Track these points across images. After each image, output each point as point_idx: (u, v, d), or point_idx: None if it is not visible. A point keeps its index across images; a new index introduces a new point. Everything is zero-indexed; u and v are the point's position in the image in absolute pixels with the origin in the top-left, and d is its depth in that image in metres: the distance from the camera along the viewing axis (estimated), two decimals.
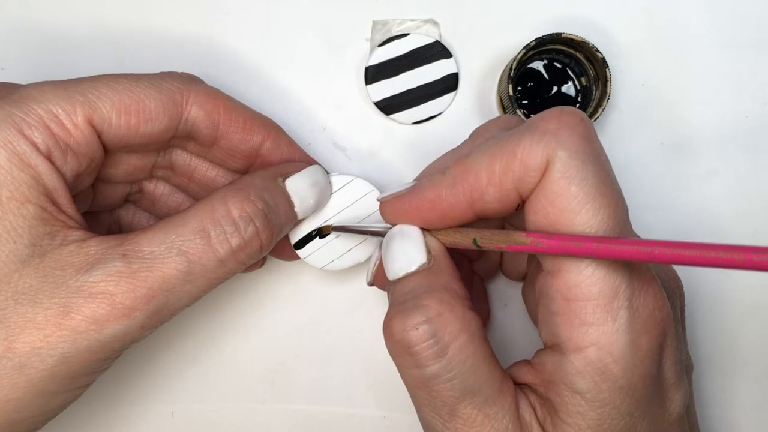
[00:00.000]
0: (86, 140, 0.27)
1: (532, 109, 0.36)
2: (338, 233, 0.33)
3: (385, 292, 0.36)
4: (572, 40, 0.34)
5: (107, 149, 0.29)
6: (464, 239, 0.27)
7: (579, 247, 0.23)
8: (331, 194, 0.33)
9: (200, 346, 0.37)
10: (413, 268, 0.27)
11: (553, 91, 0.36)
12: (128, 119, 0.28)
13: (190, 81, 0.30)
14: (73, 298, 0.25)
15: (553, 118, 0.25)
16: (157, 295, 0.26)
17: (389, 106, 0.37)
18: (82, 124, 0.27)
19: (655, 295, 0.25)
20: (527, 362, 0.27)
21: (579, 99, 0.36)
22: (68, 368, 0.26)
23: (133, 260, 0.26)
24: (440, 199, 0.27)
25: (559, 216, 0.24)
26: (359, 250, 0.33)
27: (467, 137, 0.30)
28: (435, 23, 0.37)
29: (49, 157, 0.26)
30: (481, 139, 0.28)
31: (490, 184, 0.25)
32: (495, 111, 0.37)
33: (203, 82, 0.31)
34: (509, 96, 0.34)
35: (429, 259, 0.27)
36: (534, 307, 0.33)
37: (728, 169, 0.37)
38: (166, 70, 0.36)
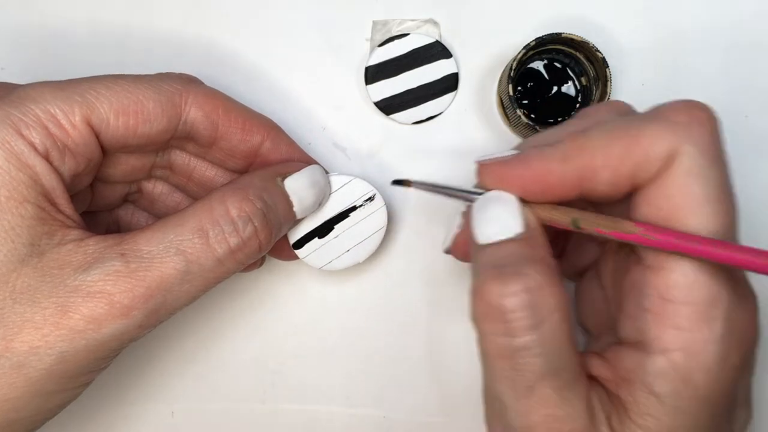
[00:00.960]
0: (84, 141, 0.27)
1: (532, 109, 0.36)
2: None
3: (383, 293, 0.36)
4: (572, 39, 0.34)
5: (105, 150, 0.29)
6: (563, 218, 0.26)
7: (693, 247, 0.22)
8: (330, 194, 0.33)
9: (200, 346, 0.37)
10: (510, 235, 0.25)
11: (553, 91, 0.36)
12: (126, 120, 0.28)
13: (189, 82, 0.30)
14: (71, 298, 0.25)
15: (683, 109, 0.24)
16: (155, 294, 0.26)
17: (389, 106, 0.37)
18: (80, 124, 0.27)
19: (751, 312, 0.24)
20: (598, 355, 0.26)
21: (579, 99, 0.36)
22: (66, 367, 0.26)
23: (131, 260, 0.26)
24: (548, 172, 0.25)
25: (675, 212, 0.23)
26: (358, 250, 0.33)
27: (574, 117, 0.29)
28: (435, 23, 0.37)
29: (47, 157, 0.26)
30: (591, 120, 0.27)
31: (606, 165, 0.24)
32: (495, 111, 0.37)
33: (202, 83, 0.31)
34: (509, 96, 0.34)
35: (525, 230, 0.25)
36: (592, 305, 0.31)
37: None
38: (166, 70, 0.36)
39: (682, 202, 0.23)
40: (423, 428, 0.37)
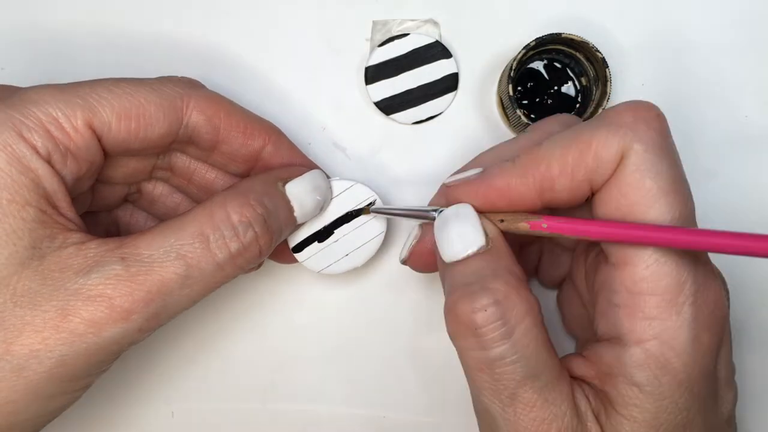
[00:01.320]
0: (86, 144, 0.27)
1: (532, 109, 0.36)
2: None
3: (382, 294, 0.36)
4: (572, 40, 0.34)
5: (107, 153, 0.29)
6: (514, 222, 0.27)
7: (643, 236, 0.24)
8: (332, 199, 0.33)
9: (200, 346, 0.37)
10: (473, 250, 0.26)
11: (553, 91, 0.36)
12: (128, 124, 0.28)
13: (191, 86, 0.30)
14: (71, 301, 0.25)
15: (628, 111, 0.25)
16: (155, 298, 0.26)
17: (389, 106, 0.37)
18: (82, 128, 0.27)
19: (717, 293, 0.25)
20: (579, 356, 0.27)
21: (579, 99, 0.36)
22: (66, 371, 0.26)
23: (131, 263, 0.26)
24: (509, 188, 0.26)
25: (632, 209, 0.24)
26: (358, 254, 0.33)
27: (525, 131, 0.30)
28: (435, 23, 0.37)
29: (48, 161, 0.26)
30: (540, 133, 0.29)
31: (562, 174, 0.26)
32: (495, 111, 0.37)
33: (204, 86, 0.31)
34: (509, 96, 0.34)
35: (487, 242, 0.27)
36: (571, 311, 0.33)
37: (728, 169, 0.37)
38: (165, 70, 0.36)
39: (637, 198, 0.24)
40: (423, 428, 0.37)
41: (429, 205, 0.31)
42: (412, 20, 0.37)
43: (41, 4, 0.37)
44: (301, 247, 0.33)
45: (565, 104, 0.36)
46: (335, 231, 0.33)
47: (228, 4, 0.37)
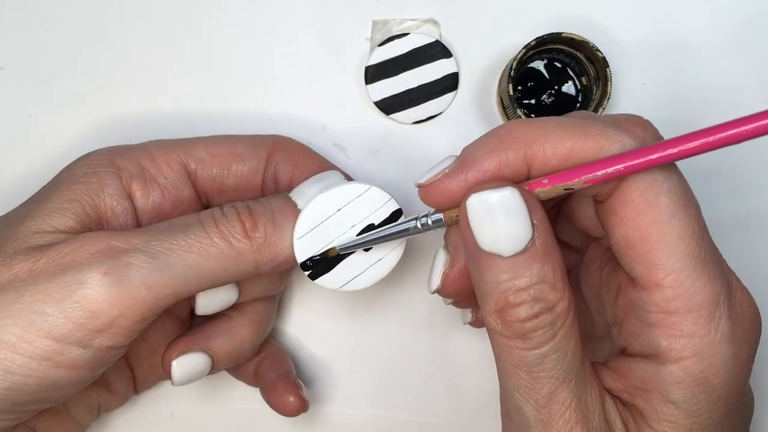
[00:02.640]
0: (174, 177, 0.30)
1: (532, 109, 0.36)
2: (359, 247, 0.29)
3: (383, 293, 0.36)
4: (573, 39, 0.34)
5: (201, 192, 0.32)
6: (553, 192, 0.25)
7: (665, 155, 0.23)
8: (345, 206, 0.29)
9: None
10: (521, 248, 0.24)
11: (554, 91, 0.36)
12: (220, 159, 0.31)
13: (279, 136, 0.33)
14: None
15: (639, 124, 0.25)
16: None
17: (389, 105, 0.37)
18: (174, 162, 0.30)
19: (750, 303, 0.25)
20: (604, 367, 0.27)
21: (579, 98, 0.36)
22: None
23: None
24: (500, 168, 0.24)
25: (650, 229, 0.24)
26: (378, 267, 0.30)
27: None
28: (435, 23, 0.37)
29: (129, 184, 0.30)
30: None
31: (555, 156, 0.24)
32: (495, 110, 0.37)
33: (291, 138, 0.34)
34: (509, 95, 0.34)
35: (534, 234, 0.24)
36: (596, 293, 0.30)
37: (728, 168, 0.37)
38: (165, 70, 0.36)
39: (655, 216, 0.24)
40: (423, 428, 0.37)
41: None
42: (412, 20, 0.37)
43: (41, 4, 0.37)
44: (314, 264, 0.29)
45: (566, 104, 0.36)
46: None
47: (228, 4, 0.37)
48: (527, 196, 0.24)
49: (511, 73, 0.34)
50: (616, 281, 0.27)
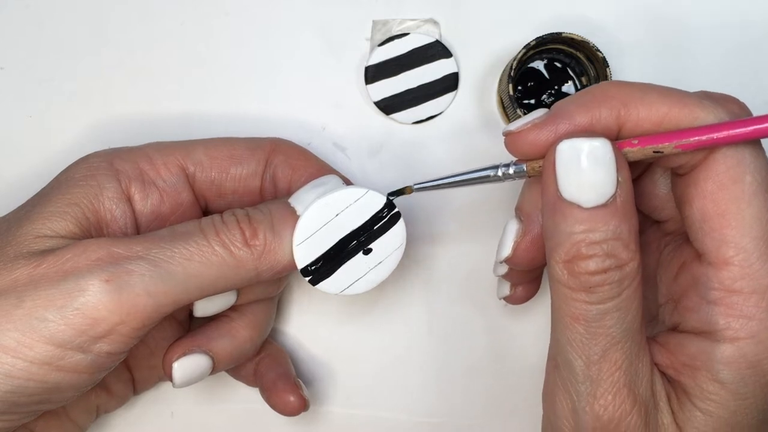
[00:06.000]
0: (173, 180, 0.30)
1: (532, 109, 0.36)
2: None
3: (383, 293, 0.36)
4: (573, 39, 0.34)
5: (199, 195, 0.31)
6: (641, 153, 0.25)
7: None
8: (343, 211, 0.29)
9: None
10: (604, 201, 0.24)
11: (554, 91, 0.36)
12: (219, 162, 0.31)
13: (277, 139, 0.33)
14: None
15: (735, 102, 0.25)
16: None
17: (389, 105, 0.37)
18: (173, 165, 0.30)
19: None
20: (653, 341, 0.26)
21: None
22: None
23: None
24: (592, 124, 0.25)
25: (729, 205, 0.24)
26: (378, 271, 0.30)
27: None
28: (435, 23, 0.37)
29: (128, 186, 0.29)
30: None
31: (647, 119, 0.24)
32: (495, 111, 0.37)
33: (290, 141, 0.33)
34: (509, 95, 0.34)
35: (620, 190, 0.24)
36: (650, 275, 0.30)
37: None
38: (165, 71, 0.36)
39: (736, 193, 0.24)
40: (423, 428, 0.37)
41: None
42: (412, 20, 0.37)
43: (41, 4, 0.37)
44: (314, 269, 0.29)
45: None
46: (350, 247, 0.29)
47: (228, 4, 0.37)
48: (617, 152, 0.24)
49: (511, 73, 0.34)
50: (679, 259, 0.27)
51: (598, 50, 0.34)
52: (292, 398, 0.33)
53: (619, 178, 0.24)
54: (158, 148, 0.31)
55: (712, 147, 0.24)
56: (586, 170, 0.24)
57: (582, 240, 0.24)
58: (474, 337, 0.37)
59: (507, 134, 0.26)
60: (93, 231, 0.29)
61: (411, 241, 0.36)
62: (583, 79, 0.36)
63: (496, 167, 0.27)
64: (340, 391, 0.37)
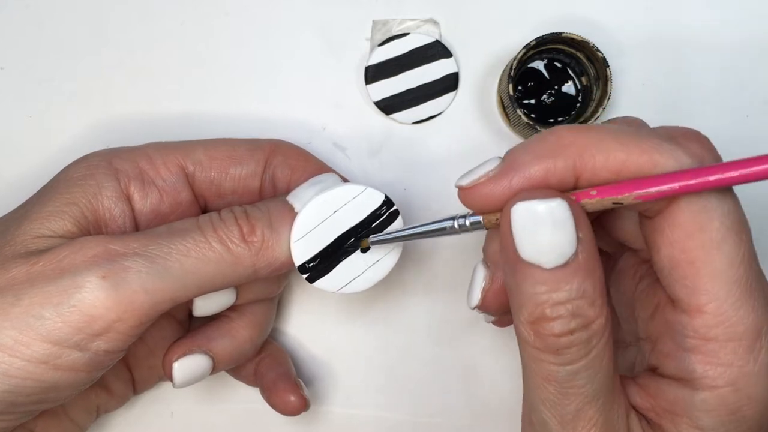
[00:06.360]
0: (173, 179, 0.30)
1: (532, 109, 0.36)
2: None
3: (383, 293, 0.36)
4: (573, 39, 0.34)
5: (199, 194, 0.31)
6: (601, 204, 0.24)
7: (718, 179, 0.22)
8: (341, 208, 0.29)
9: None
10: (563, 261, 0.23)
11: (554, 91, 0.36)
12: (219, 162, 0.31)
13: (277, 140, 0.33)
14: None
15: (696, 140, 0.24)
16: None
17: (389, 105, 0.37)
18: (172, 165, 0.30)
19: None
20: (633, 382, 0.26)
21: (579, 98, 0.36)
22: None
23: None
24: (547, 176, 0.23)
25: (698, 253, 0.23)
26: (375, 269, 0.30)
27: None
28: (435, 23, 0.37)
29: (127, 186, 0.29)
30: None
31: (605, 168, 0.23)
32: (495, 110, 0.37)
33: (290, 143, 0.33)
34: (509, 95, 0.34)
35: (578, 248, 0.23)
36: (627, 302, 0.30)
37: None
38: (165, 70, 0.36)
39: (705, 239, 0.23)
40: (423, 428, 0.37)
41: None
42: (412, 20, 0.37)
43: (41, 4, 0.37)
44: (312, 266, 0.29)
45: (566, 104, 0.36)
46: (348, 244, 0.29)
47: (228, 4, 0.37)
48: (575, 208, 0.23)
49: (511, 73, 0.34)
50: (653, 299, 0.26)
51: (598, 50, 0.34)
52: (292, 398, 0.33)
53: (580, 235, 0.23)
54: (158, 148, 0.31)
55: (673, 197, 0.23)
56: (544, 233, 0.23)
57: (545, 301, 0.23)
58: (474, 337, 0.37)
59: (460, 188, 0.25)
60: (92, 230, 0.29)
61: (410, 241, 0.36)
62: (583, 79, 0.36)
63: (453, 219, 0.26)
64: (340, 391, 0.37)
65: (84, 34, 0.37)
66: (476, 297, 0.28)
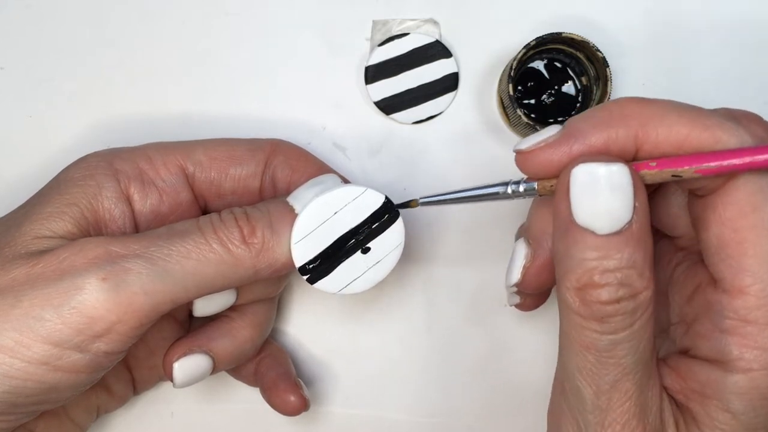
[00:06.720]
0: (173, 180, 0.30)
1: (532, 109, 0.36)
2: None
3: (383, 292, 0.36)
4: (573, 39, 0.34)
5: (199, 195, 0.31)
6: (660, 176, 0.24)
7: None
8: (341, 209, 0.29)
9: None
10: (619, 228, 0.23)
11: (554, 91, 0.36)
12: (219, 163, 0.31)
13: (277, 140, 0.33)
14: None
15: (758, 122, 0.24)
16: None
17: (389, 105, 0.37)
18: (172, 165, 0.30)
19: None
20: (664, 363, 0.26)
21: (579, 98, 0.36)
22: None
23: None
24: (607, 145, 0.24)
25: (748, 233, 0.23)
26: (377, 269, 0.30)
27: None
28: (435, 23, 0.37)
29: (127, 186, 0.29)
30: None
31: (666, 142, 0.23)
32: (495, 110, 0.37)
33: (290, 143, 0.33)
34: (509, 95, 0.34)
35: (636, 217, 0.23)
36: (661, 289, 0.29)
37: None
38: (165, 71, 0.36)
39: (756, 221, 0.23)
40: (423, 428, 0.37)
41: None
42: (412, 20, 0.37)
43: (41, 4, 0.37)
44: (312, 267, 0.29)
45: (566, 104, 0.36)
46: (348, 245, 0.29)
47: (228, 4, 0.37)
48: (634, 176, 0.23)
49: (511, 73, 0.34)
50: (693, 280, 0.26)
51: (598, 50, 0.34)
52: (292, 398, 0.33)
53: (636, 204, 0.23)
54: (158, 148, 0.31)
55: (733, 173, 0.23)
56: (602, 196, 0.23)
57: (595, 268, 0.23)
58: (474, 337, 0.37)
59: (518, 152, 0.25)
60: (92, 231, 0.29)
61: (410, 240, 0.36)
62: (583, 79, 0.36)
63: (506, 184, 0.26)
64: (340, 391, 0.37)
65: (84, 34, 0.37)
66: (516, 274, 0.28)
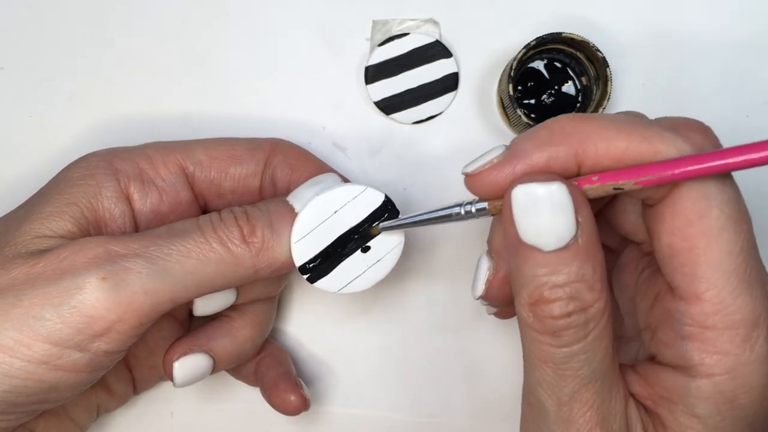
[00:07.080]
0: (172, 179, 0.30)
1: (532, 109, 0.36)
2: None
3: (382, 293, 0.36)
4: (573, 39, 0.34)
5: (198, 194, 0.32)
6: (601, 190, 0.24)
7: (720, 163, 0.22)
8: (341, 208, 0.29)
9: None
10: (564, 244, 0.23)
11: (554, 91, 0.36)
12: (218, 162, 0.31)
13: (277, 139, 0.33)
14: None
15: (698, 130, 0.24)
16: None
17: (389, 105, 0.37)
18: (172, 165, 0.31)
19: None
20: (632, 370, 0.26)
21: (579, 98, 0.36)
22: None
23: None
24: (549, 163, 0.24)
25: (697, 241, 0.23)
26: (377, 268, 0.30)
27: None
28: (435, 23, 0.37)
29: (127, 186, 0.29)
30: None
31: (606, 156, 0.23)
32: (495, 110, 0.37)
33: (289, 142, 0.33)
34: (509, 95, 0.34)
35: (578, 232, 0.23)
36: (629, 295, 0.30)
37: None
38: (165, 71, 0.36)
39: (704, 227, 0.23)
40: (423, 428, 0.37)
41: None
42: (412, 20, 0.37)
43: (41, 4, 0.37)
44: (312, 267, 0.29)
45: (566, 104, 0.36)
46: (348, 245, 0.29)
47: (228, 4, 0.37)
48: (575, 193, 0.23)
49: (511, 73, 0.34)
50: (654, 288, 0.27)
51: (598, 50, 0.34)
52: (292, 398, 0.33)
53: (579, 219, 0.23)
54: (157, 148, 0.31)
55: (674, 182, 0.23)
56: (544, 215, 0.23)
57: (545, 283, 0.23)
58: (474, 337, 0.37)
59: (466, 175, 0.26)
60: (92, 230, 0.29)
61: (410, 240, 0.36)
62: (583, 79, 0.36)
63: (459, 205, 0.27)
64: (340, 391, 0.37)
65: (84, 34, 0.37)
66: (480, 287, 0.28)
